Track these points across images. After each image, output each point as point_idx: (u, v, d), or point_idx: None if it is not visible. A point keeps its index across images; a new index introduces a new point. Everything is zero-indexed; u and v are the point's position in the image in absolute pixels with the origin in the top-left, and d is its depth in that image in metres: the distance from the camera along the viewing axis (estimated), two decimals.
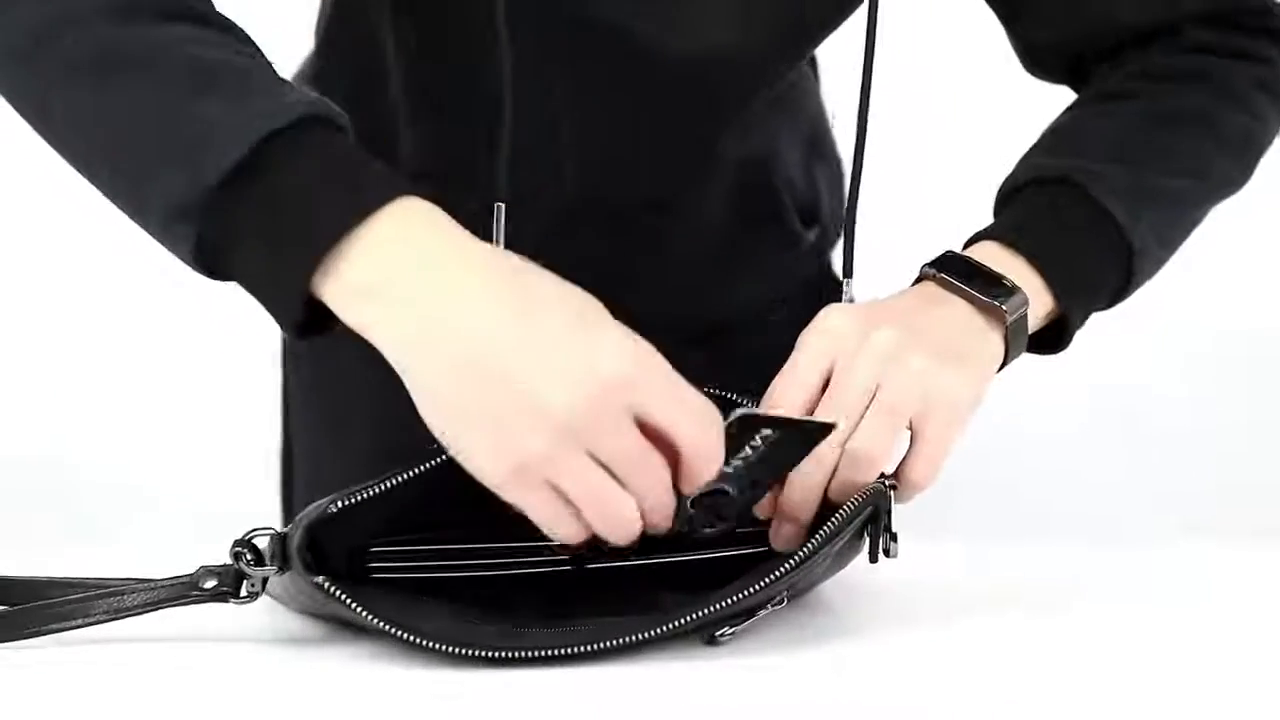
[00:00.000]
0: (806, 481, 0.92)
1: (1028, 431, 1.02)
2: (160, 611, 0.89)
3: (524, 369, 0.83)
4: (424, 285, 0.85)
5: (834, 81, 1.29)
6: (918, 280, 1.01)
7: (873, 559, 0.92)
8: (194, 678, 0.85)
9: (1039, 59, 1.19)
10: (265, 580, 0.88)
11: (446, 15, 1.08)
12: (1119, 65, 1.14)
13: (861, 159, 1.04)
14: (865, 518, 0.90)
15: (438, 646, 0.84)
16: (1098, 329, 1.08)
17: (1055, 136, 1.10)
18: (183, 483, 1.69)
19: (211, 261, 0.88)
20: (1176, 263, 1.12)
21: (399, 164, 1.13)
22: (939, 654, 0.89)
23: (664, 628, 0.85)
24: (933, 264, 1.00)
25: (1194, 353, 1.55)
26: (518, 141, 1.05)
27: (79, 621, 0.88)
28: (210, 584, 0.89)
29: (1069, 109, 1.14)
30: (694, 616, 0.86)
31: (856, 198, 1.04)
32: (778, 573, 0.86)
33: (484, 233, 1.09)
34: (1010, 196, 1.06)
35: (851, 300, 1.03)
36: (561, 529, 0.85)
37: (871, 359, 0.93)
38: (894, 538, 0.92)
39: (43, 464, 1.33)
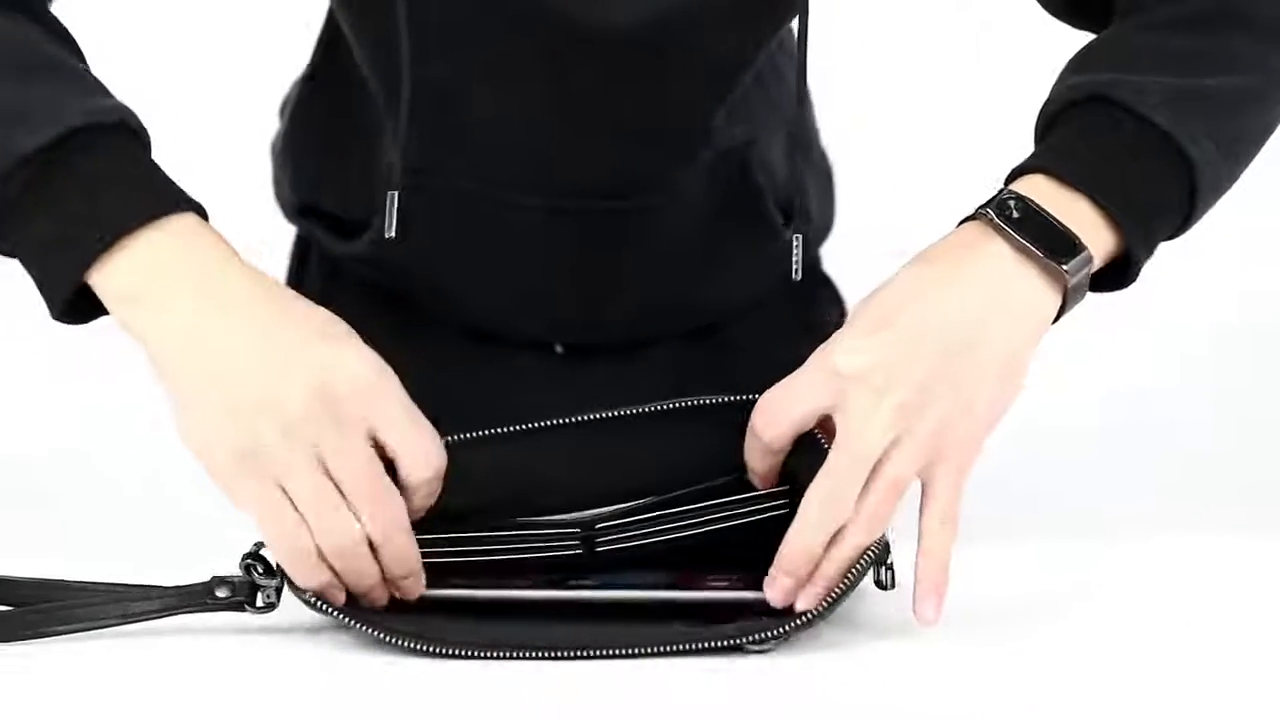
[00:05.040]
0: (805, 542, 0.89)
1: (1031, 430, 1.01)
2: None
3: (264, 370, 0.88)
4: (188, 299, 0.89)
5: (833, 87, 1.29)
6: (970, 218, 0.94)
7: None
8: (201, 674, 0.86)
9: None
10: (279, 590, 0.89)
11: (381, 36, 1.05)
12: None
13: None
14: (870, 570, 0.89)
15: (426, 648, 0.86)
16: (1104, 326, 1.05)
17: (1086, 55, 1.01)
18: (184, 478, 1.69)
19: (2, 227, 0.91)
20: (1187, 258, 1.07)
21: (386, 158, 1.12)
22: (942, 655, 0.89)
23: (649, 649, 0.86)
24: (989, 204, 0.93)
25: (1200, 347, 1.55)
26: (485, 140, 1.06)
27: (88, 624, 0.89)
28: (223, 593, 0.90)
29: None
30: (682, 647, 0.86)
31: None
32: (781, 630, 0.87)
33: (477, 217, 1.10)
34: (1050, 122, 0.99)
35: (799, 251, 1.00)
36: (279, 528, 0.87)
37: (879, 428, 0.88)
38: (890, 569, 0.90)
39: (48, 463, 1.33)
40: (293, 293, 0.93)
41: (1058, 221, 0.92)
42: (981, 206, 0.94)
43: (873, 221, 1.42)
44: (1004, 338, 0.91)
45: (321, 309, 0.92)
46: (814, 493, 0.89)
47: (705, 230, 1.17)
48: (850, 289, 1.27)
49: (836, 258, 1.32)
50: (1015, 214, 0.92)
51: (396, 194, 0.98)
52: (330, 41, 1.19)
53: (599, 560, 0.94)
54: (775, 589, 0.89)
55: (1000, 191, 0.94)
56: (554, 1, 1.02)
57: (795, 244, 1.01)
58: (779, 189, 1.20)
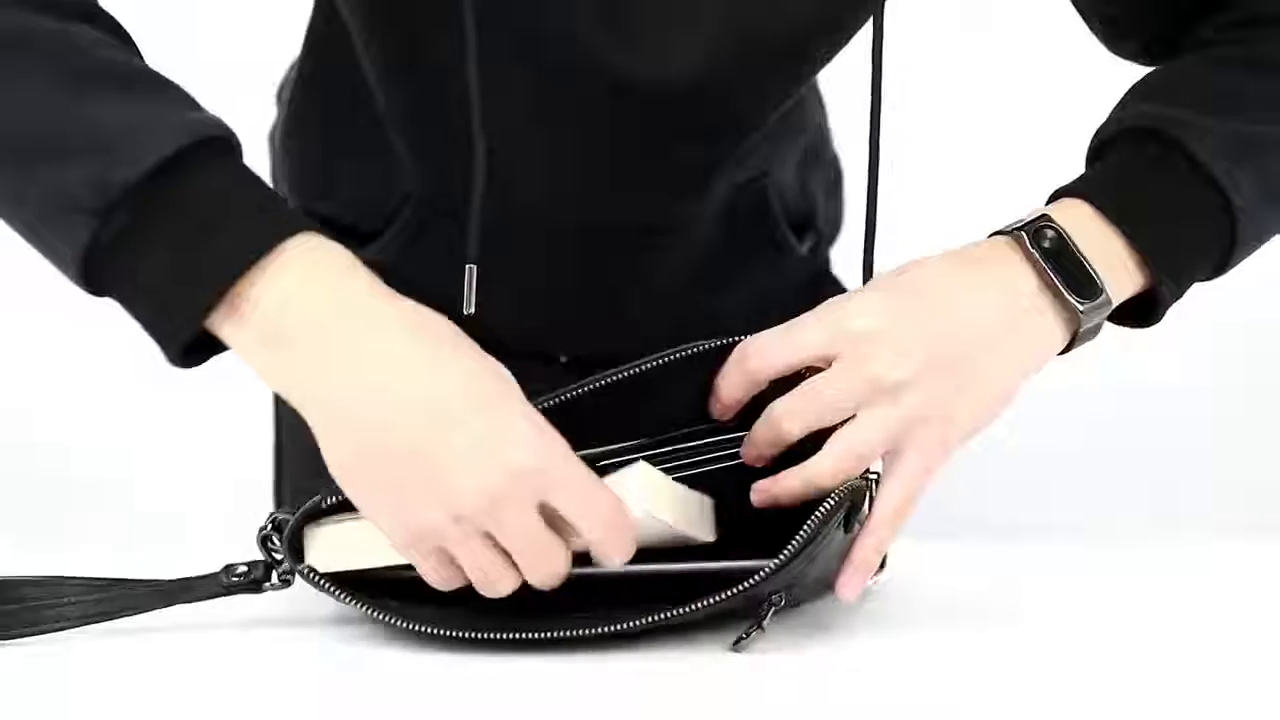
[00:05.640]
0: (754, 438, 0.91)
1: (1026, 428, 1.01)
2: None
3: (431, 450, 0.84)
4: (334, 342, 0.85)
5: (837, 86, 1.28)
6: (1006, 232, 0.94)
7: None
8: (208, 670, 0.86)
9: (1115, 19, 1.10)
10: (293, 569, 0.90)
11: (414, 53, 1.05)
12: (1204, 23, 1.05)
13: (876, 189, 0.99)
14: (844, 513, 0.89)
15: (420, 628, 0.87)
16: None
17: (1148, 86, 1.02)
18: (174, 475, 1.69)
19: (98, 265, 0.86)
20: None
21: (391, 175, 1.13)
22: (937, 656, 0.90)
23: (642, 620, 0.87)
24: (1026, 226, 0.93)
25: (1195, 346, 1.55)
26: (510, 174, 1.03)
27: (83, 619, 0.89)
28: (238, 576, 0.90)
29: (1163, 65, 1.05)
30: (670, 614, 0.87)
31: (874, 223, 0.99)
32: (756, 578, 0.86)
33: (489, 238, 1.09)
34: (1105, 144, 0.99)
35: None
36: (444, 581, 0.87)
37: (859, 389, 0.89)
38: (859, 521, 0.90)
39: (42, 461, 1.33)
40: (451, 333, 0.88)
41: (1087, 262, 0.92)
42: (1019, 227, 0.93)
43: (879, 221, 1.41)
44: (1005, 361, 0.92)
45: (484, 360, 0.88)
46: (775, 404, 0.90)
47: (720, 256, 1.17)
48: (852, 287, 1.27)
49: (837, 257, 1.31)
50: (1048, 245, 0.93)
51: (476, 268, 0.95)
52: (323, 35, 1.16)
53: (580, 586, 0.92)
54: (750, 446, 0.91)
55: (1040, 216, 0.94)
56: (594, 48, 1.01)
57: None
58: (791, 210, 1.21)
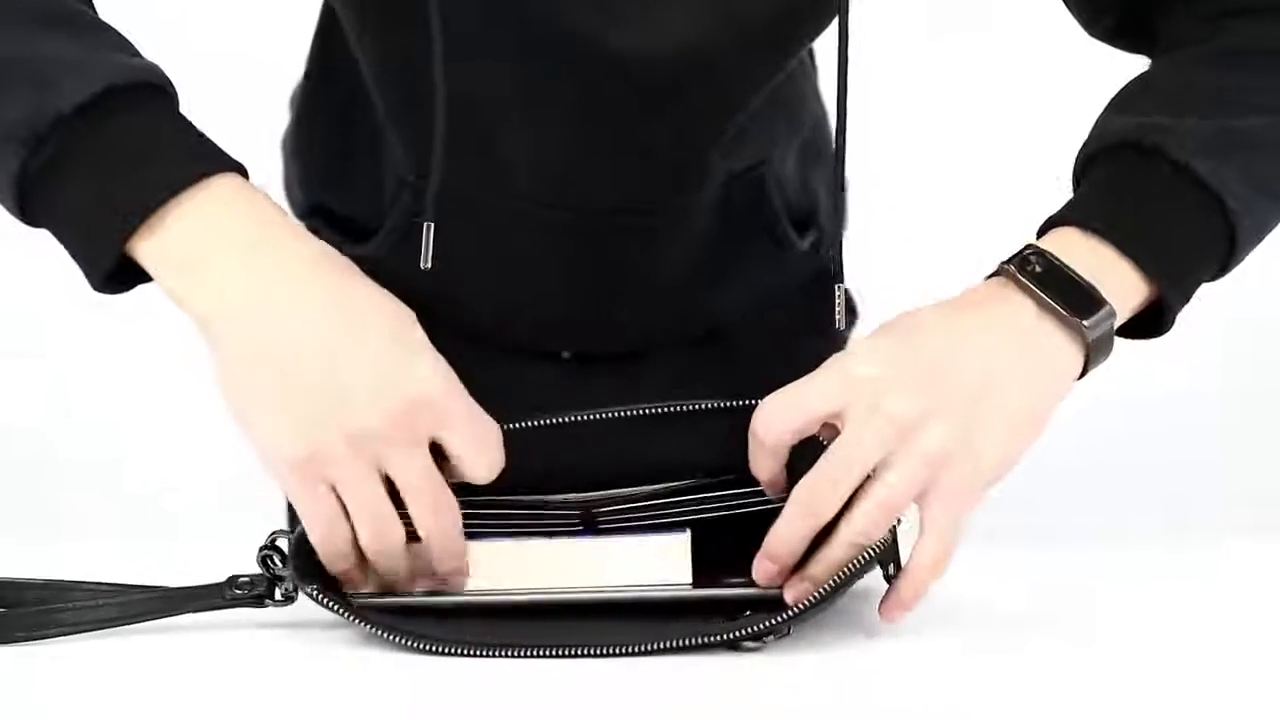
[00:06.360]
0: (786, 533, 0.89)
1: (1041, 437, 1.02)
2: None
3: (336, 370, 0.87)
4: (246, 267, 0.88)
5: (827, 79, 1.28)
6: (995, 273, 0.94)
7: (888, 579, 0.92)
8: (210, 672, 0.87)
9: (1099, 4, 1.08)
10: (296, 587, 0.91)
11: (398, 46, 1.06)
12: (1180, 14, 1.04)
13: (843, 167, 0.98)
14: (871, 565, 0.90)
15: (427, 646, 0.87)
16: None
17: (1123, 98, 1.01)
18: (187, 478, 1.69)
19: (27, 194, 0.89)
20: None
21: (390, 171, 1.13)
22: (947, 659, 0.90)
23: (642, 646, 0.87)
24: (1012, 260, 0.93)
25: (1206, 355, 1.55)
26: (499, 153, 1.05)
27: (98, 624, 0.90)
28: (241, 589, 0.91)
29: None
30: (677, 643, 0.87)
31: (844, 202, 0.99)
32: (765, 624, 0.88)
33: (485, 225, 1.09)
34: (1085, 167, 0.99)
35: (841, 304, 0.97)
36: (325, 529, 0.88)
37: (879, 434, 0.88)
38: (899, 566, 0.91)
39: (40, 462, 1.32)
40: (351, 267, 0.91)
41: (1080, 278, 0.92)
42: (1005, 262, 0.94)
43: (877, 218, 1.42)
44: (1021, 390, 0.91)
45: (389, 296, 0.91)
46: (802, 487, 0.89)
47: (718, 249, 1.16)
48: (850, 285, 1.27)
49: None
50: (1038, 269, 0.92)
51: (432, 225, 0.96)
52: (325, 40, 1.18)
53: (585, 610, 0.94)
54: (759, 571, 0.91)
55: (1024, 248, 0.94)
56: (580, 28, 1.01)
57: (838, 293, 0.98)
58: (792, 205, 1.20)
